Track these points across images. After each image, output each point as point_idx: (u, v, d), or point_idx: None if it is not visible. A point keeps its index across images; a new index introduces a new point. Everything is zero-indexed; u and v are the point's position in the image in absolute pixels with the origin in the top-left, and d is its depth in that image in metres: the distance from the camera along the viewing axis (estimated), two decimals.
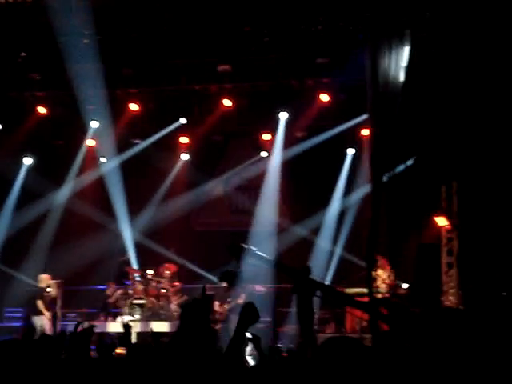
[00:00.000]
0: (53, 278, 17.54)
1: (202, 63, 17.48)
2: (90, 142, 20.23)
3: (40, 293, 17.04)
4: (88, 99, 18.15)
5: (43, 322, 16.70)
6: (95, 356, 8.10)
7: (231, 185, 21.26)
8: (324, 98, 17.93)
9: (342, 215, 19.43)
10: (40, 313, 16.70)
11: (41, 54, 17.16)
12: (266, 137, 19.90)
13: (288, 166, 19.61)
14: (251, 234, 18.68)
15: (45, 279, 17.40)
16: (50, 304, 17.15)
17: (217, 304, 17.43)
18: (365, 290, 16.75)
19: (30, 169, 20.52)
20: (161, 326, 17.19)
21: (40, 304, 16.80)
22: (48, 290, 17.17)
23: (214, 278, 18.11)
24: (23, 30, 16.55)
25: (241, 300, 17.21)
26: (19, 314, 18.67)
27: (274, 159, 19.60)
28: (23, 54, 17.24)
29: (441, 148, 16.11)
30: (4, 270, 19.34)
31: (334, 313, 17.21)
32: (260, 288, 17.83)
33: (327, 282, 17.32)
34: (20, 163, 20.45)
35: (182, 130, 19.81)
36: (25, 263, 19.58)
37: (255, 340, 6.85)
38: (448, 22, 15.00)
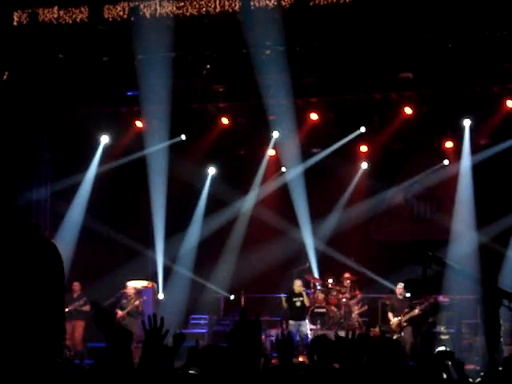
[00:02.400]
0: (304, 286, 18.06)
1: (383, 71, 17.40)
2: (270, 152, 20.56)
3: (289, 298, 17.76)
4: (269, 109, 18.40)
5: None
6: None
7: (412, 193, 20.99)
8: (510, 104, 17.40)
9: None
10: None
11: (225, 66, 17.58)
12: (448, 144, 19.55)
13: (472, 174, 19.15)
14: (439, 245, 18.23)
15: (297, 285, 17.87)
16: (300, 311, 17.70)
17: (390, 315, 17.33)
18: None
19: (215, 177, 21.14)
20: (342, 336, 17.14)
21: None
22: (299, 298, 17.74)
23: (393, 288, 17.92)
24: (208, 43, 17.03)
25: (417, 311, 17.03)
26: (204, 321, 19.09)
27: (463, 166, 19.14)
28: (208, 66, 17.71)
29: None
30: (192, 277, 19.96)
31: None
32: (443, 298, 17.52)
33: None
34: (204, 172, 21.09)
35: (361, 139, 19.77)
36: (213, 270, 20.15)
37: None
38: None
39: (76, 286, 18.02)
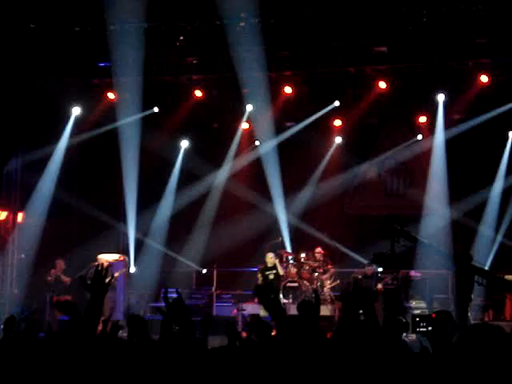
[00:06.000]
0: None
1: (358, 45, 17.30)
2: (244, 125, 20.44)
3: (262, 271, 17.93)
4: (243, 82, 18.23)
5: None
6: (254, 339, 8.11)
7: (385, 168, 20.99)
8: (484, 79, 17.38)
9: (502, 200, 18.88)
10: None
11: (198, 38, 17.40)
12: (422, 119, 19.55)
13: (445, 149, 19.16)
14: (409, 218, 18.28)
15: (269, 257, 18.03)
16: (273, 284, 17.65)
17: None
18: None
19: (188, 151, 21.00)
20: None
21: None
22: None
23: (366, 262, 17.96)
24: (182, 14, 16.84)
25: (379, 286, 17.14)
26: (174, 295, 18.96)
27: (436, 141, 19.15)
28: (181, 37, 17.53)
29: None
30: (164, 251, 19.86)
31: (492, 300, 16.75)
32: (415, 273, 17.58)
33: (486, 268, 16.81)
34: (177, 145, 20.95)
35: (335, 113, 19.68)
36: (185, 244, 20.07)
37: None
38: None
39: (60, 263, 17.84)
